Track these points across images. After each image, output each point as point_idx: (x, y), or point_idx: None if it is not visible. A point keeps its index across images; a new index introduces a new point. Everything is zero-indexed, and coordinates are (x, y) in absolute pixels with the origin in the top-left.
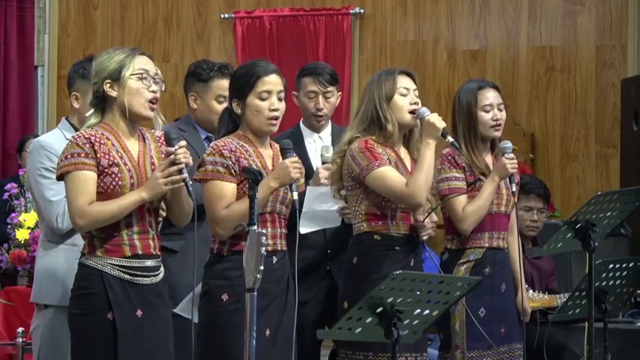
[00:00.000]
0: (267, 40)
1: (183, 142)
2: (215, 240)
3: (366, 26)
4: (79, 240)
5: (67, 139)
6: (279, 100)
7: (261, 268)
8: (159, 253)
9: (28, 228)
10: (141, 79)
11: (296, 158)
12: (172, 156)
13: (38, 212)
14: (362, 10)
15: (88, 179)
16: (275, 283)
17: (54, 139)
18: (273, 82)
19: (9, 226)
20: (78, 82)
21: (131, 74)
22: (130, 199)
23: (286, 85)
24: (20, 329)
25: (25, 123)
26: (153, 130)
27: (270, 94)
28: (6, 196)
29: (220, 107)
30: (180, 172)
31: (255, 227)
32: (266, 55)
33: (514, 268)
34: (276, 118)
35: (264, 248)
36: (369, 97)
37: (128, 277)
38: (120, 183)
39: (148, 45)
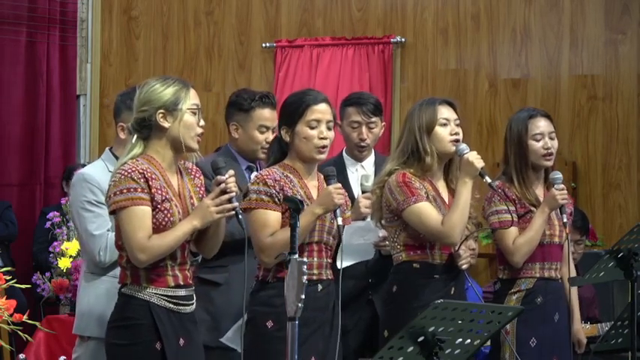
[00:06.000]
0: (308, 68)
1: (232, 172)
2: (260, 267)
3: (407, 55)
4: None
5: (110, 171)
6: (329, 129)
7: (303, 297)
8: (192, 283)
9: (70, 257)
10: (194, 114)
11: (339, 185)
12: (223, 185)
13: (81, 244)
14: (403, 39)
15: (145, 214)
16: (320, 311)
17: (97, 172)
18: (322, 110)
19: (51, 255)
20: (124, 112)
21: (188, 108)
22: (184, 230)
23: (335, 114)
24: (62, 358)
25: (67, 152)
26: (182, 162)
27: (320, 122)
28: (48, 224)
29: (262, 137)
30: (230, 200)
31: (297, 256)
32: (307, 84)
33: (570, 299)
34: (324, 147)
35: (305, 277)
36: (409, 128)
37: (172, 306)
38: (172, 219)
39: (190, 74)
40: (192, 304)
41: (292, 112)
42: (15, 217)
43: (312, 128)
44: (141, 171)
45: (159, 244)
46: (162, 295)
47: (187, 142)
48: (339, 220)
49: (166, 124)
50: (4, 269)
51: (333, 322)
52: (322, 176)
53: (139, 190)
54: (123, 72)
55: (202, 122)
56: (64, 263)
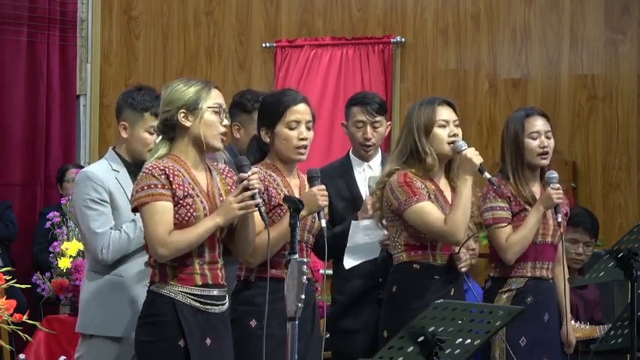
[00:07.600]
0: (309, 69)
1: (255, 169)
2: (242, 267)
3: (407, 55)
4: (124, 271)
5: (114, 169)
6: (308, 129)
7: (303, 297)
8: (225, 283)
9: (70, 256)
10: (216, 113)
11: (323, 186)
12: (245, 181)
13: (84, 243)
14: (403, 39)
15: (166, 210)
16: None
17: (101, 171)
18: (301, 111)
19: (51, 255)
20: (126, 111)
21: (208, 107)
22: (206, 226)
23: (315, 114)
24: (62, 358)
25: (67, 152)
26: (215, 163)
27: (299, 123)
28: (48, 224)
29: None
30: (252, 197)
31: (297, 256)
32: (307, 84)
33: (560, 299)
34: (304, 147)
35: (305, 277)
36: (408, 129)
37: (199, 305)
38: (195, 214)
39: (190, 74)
40: (224, 304)
41: (272, 113)
42: (15, 217)
43: (291, 129)
44: (162, 168)
45: (179, 239)
46: (188, 293)
47: (209, 140)
48: (323, 222)
49: (187, 123)
50: (4, 269)
51: (314, 319)
52: (304, 176)
53: (160, 186)
54: (123, 72)
55: (226, 122)
56: (64, 263)
